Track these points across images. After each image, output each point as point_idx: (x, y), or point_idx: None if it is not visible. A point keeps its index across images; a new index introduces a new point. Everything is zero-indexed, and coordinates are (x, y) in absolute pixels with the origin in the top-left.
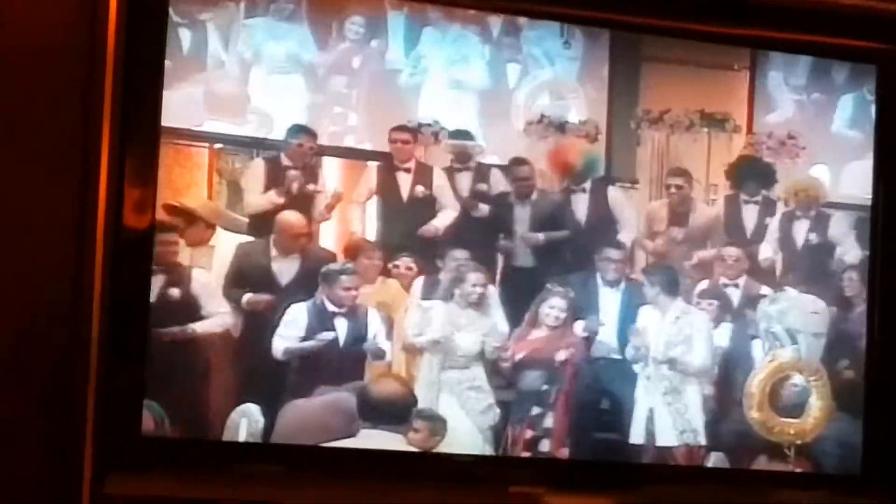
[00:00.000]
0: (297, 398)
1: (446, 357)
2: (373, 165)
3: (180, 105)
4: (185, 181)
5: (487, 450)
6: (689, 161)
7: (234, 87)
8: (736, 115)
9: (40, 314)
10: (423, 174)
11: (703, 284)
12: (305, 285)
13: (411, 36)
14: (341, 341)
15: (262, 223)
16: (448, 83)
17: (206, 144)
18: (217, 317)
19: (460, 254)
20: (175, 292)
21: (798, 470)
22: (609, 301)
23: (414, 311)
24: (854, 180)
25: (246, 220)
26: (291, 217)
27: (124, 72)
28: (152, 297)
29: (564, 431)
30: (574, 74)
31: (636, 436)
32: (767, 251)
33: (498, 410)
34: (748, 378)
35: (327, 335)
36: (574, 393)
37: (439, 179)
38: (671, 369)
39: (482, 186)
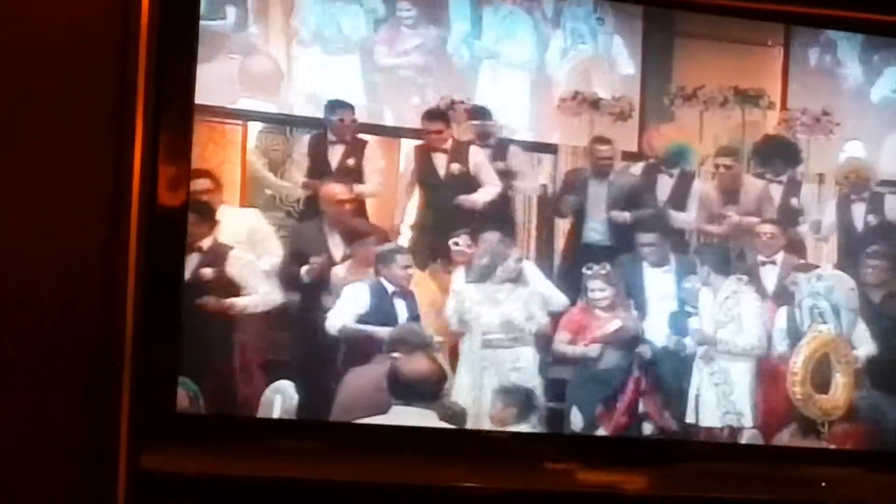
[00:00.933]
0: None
1: (487, 337)
2: (409, 148)
3: (215, 82)
4: (220, 158)
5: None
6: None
7: (271, 64)
8: (770, 91)
9: (75, 292)
10: (459, 152)
11: (745, 261)
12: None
13: (469, 14)
14: (399, 321)
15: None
16: (497, 61)
17: (241, 122)
18: (256, 295)
19: (498, 232)
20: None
21: (833, 447)
22: (657, 283)
23: (454, 295)
24: (890, 157)
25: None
26: (335, 188)
27: (158, 49)
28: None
29: (628, 413)
30: (607, 51)
31: (689, 416)
32: (804, 229)
33: (542, 392)
34: (792, 354)
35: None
36: (632, 376)
37: (476, 156)
38: (720, 349)
39: (499, 164)
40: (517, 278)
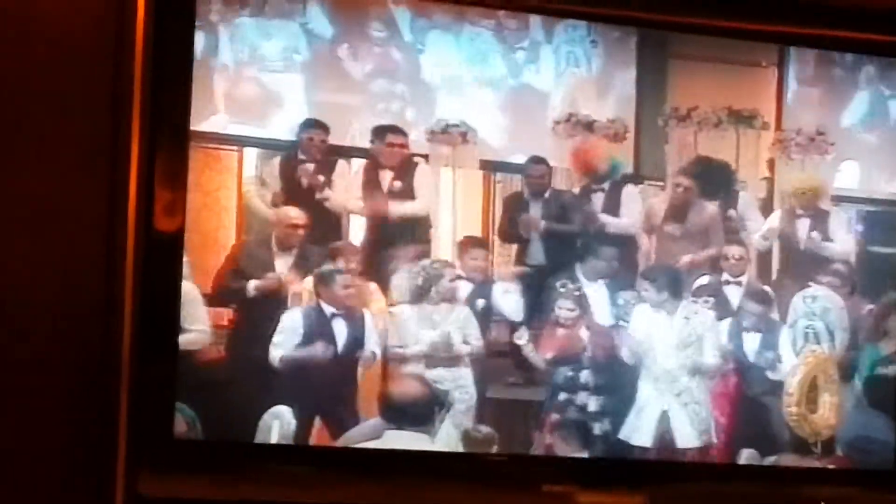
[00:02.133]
0: None
1: (429, 357)
2: (360, 164)
3: (207, 108)
4: (215, 184)
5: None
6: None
7: (253, 88)
8: (764, 111)
9: (72, 317)
10: (404, 170)
11: (702, 281)
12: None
13: (433, 35)
14: (340, 345)
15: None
16: (473, 82)
17: (236, 147)
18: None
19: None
20: None
21: (831, 466)
22: (598, 299)
23: (387, 316)
24: (884, 175)
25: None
26: (290, 211)
27: (153, 75)
28: None
29: (578, 431)
30: (601, 73)
31: (647, 438)
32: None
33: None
34: (787, 375)
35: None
36: (583, 394)
37: (422, 176)
38: (684, 370)
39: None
40: (453, 298)
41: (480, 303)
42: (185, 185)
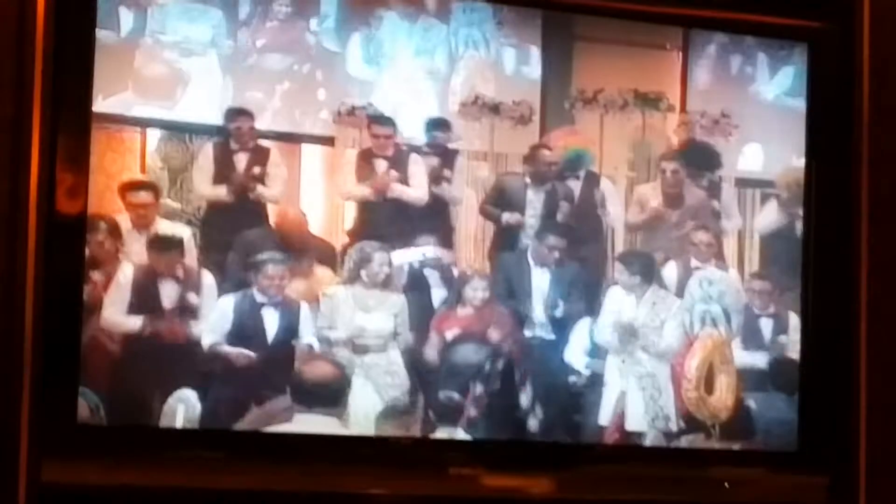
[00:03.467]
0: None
1: (358, 341)
2: (352, 152)
3: (111, 89)
4: (118, 167)
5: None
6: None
7: (163, 69)
8: (669, 94)
9: None
10: (398, 160)
11: (670, 266)
12: None
13: (343, 17)
14: (269, 334)
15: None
16: (382, 66)
17: (139, 129)
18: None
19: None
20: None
21: (735, 447)
22: (540, 282)
23: (322, 300)
24: (786, 158)
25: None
26: (288, 209)
27: (54, 56)
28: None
29: (498, 412)
30: (507, 55)
31: (603, 418)
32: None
33: (413, 394)
34: (687, 358)
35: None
36: (508, 373)
37: (416, 164)
38: (644, 353)
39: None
40: (386, 283)
41: (410, 286)
42: (88, 167)
